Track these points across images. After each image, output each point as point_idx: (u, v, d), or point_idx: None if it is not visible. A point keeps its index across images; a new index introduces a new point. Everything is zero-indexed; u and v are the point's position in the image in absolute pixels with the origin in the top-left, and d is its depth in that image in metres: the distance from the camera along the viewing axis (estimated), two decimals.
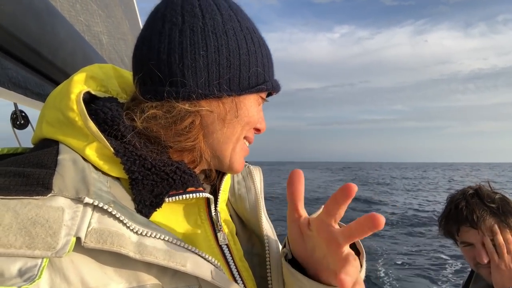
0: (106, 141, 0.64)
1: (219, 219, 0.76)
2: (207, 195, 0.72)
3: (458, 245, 1.68)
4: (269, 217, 0.90)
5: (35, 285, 0.48)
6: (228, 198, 0.88)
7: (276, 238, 0.85)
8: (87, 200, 0.54)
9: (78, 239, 0.52)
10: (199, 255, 0.62)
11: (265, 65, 0.74)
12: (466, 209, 1.55)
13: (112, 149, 0.63)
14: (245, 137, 0.77)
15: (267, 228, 0.84)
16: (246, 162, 0.93)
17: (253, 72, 0.72)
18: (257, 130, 0.79)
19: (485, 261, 1.50)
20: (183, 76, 0.66)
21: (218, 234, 0.75)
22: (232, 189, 0.89)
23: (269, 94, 0.80)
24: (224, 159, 0.74)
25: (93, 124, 0.64)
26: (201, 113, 0.69)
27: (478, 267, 1.58)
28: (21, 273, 0.47)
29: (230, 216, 0.86)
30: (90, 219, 0.54)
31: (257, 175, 0.94)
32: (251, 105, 0.74)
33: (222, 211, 0.79)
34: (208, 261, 0.63)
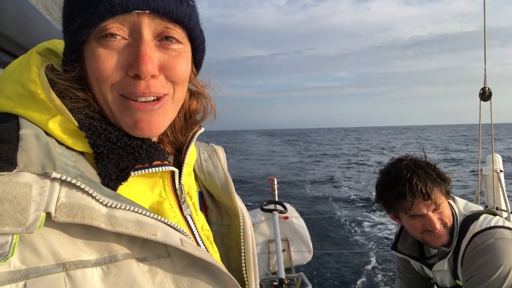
0: (70, 114, 0.63)
1: (183, 192, 0.78)
2: (173, 168, 0.74)
3: (397, 218, 1.79)
4: None
5: (8, 262, 0.48)
6: (197, 175, 0.90)
7: (247, 211, 0.88)
8: (54, 174, 0.53)
9: (48, 214, 0.52)
10: (167, 224, 0.63)
11: None
12: (420, 183, 1.62)
13: (76, 122, 0.62)
14: (121, 94, 0.66)
15: (239, 201, 0.87)
16: (207, 142, 0.98)
17: (76, 6, 0.64)
18: (135, 76, 0.64)
19: (439, 227, 1.64)
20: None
21: (183, 206, 0.76)
22: (200, 166, 0.91)
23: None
24: (113, 121, 0.68)
25: (56, 96, 0.63)
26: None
27: (424, 234, 1.70)
28: None
29: (200, 191, 0.89)
30: (59, 194, 0.53)
31: (221, 153, 0.97)
32: (87, 54, 0.65)
33: (185, 184, 0.80)
34: (177, 229, 0.64)
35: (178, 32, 0.68)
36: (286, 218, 4.18)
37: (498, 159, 3.49)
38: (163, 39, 0.66)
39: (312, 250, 4.40)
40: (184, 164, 0.80)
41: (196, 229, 0.78)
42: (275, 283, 2.92)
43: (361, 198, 14.96)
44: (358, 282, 7.19)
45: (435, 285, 1.94)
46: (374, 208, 12.67)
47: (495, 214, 1.72)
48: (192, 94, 0.83)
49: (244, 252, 0.82)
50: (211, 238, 0.81)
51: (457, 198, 1.84)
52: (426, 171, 1.68)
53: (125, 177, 0.65)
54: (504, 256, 1.50)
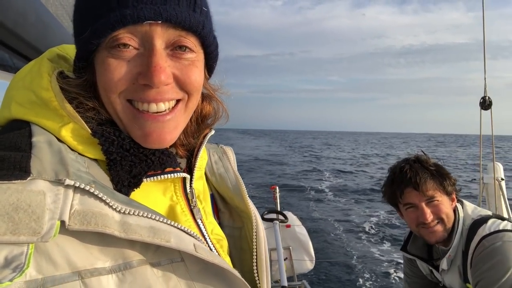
0: (83, 122, 0.63)
1: (194, 196, 0.77)
2: (185, 175, 0.74)
3: (399, 211, 1.88)
4: None
5: (25, 275, 0.47)
6: (208, 178, 0.89)
7: (258, 213, 0.87)
8: (68, 182, 0.53)
9: (62, 222, 0.51)
10: (181, 229, 0.62)
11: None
12: (410, 172, 1.75)
13: (89, 130, 0.63)
14: (129, 100, 0.66)
15: (251, 203, 0.86)
16: (216, 143, 0.96)
17: (86, 15, 0.63)
18: (145, 84, 0.63)
19: (429, 219, 1.70)
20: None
21: (194, 210, 0.76)
22: (211, 169, 0.90)
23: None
24: (123, 130, 0.68)
25: (69, 104, 0.63)
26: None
27: (420, 227, 1.77)
28: (7, 262, 0.46)
29: (212, 194, 0.88)
30: (72, 201, 0.53)
31: (231, 155, 0.96)
32: (98, 62, 0.65)
33: (196, 188, 0.80)
34: (190, 234, 0.64)
35: (191, 41, 0.66)
36: (288, 226, 4.17)
37: (499, 167, 3.50)
38: (176, 48, 0.65)
39: (314, 258, 4.39)
40: (195, 168, 0.79)
41: (207, 233, 0.77)
42: None
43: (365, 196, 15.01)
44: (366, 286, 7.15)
45: None
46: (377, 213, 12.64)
47: (503, 219, 1.74)
48: (204, 97, 0.82)
49: (256, 255, 0.81)
50: (221, 243, 0.80)
51: (466, 202, 1.87)
52: (422, 165, 1.78)
53: (137, 184, 0.66)
54: None
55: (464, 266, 1.71)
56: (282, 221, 4.02)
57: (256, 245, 0.81)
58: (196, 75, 0.69)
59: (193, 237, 0.64)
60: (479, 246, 1.63)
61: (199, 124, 0.83)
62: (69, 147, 0.62)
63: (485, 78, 3.25)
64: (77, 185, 0.54)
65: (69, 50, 0.75)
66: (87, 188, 0.54)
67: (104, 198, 0.55)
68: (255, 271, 0.81)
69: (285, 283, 3.00)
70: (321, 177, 24.17)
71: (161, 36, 0.63)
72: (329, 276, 7.78)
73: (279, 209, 4.44)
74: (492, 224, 1.67)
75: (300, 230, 4.37)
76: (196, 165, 0.80)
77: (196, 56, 0.68)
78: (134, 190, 0.66)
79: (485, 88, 3.26)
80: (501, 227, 1.64)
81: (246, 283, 0.68)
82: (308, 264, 4.33)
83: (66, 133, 0.62)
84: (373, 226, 11.99)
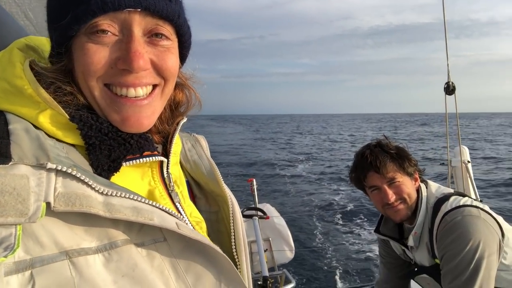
0: (60, 107, 0.63)
1: (171, 180, 0.79)
2: (162, 158, 0.75)
3: (367, 194, 1.97)
4: None
5: (13, 256, 0.49)
6: (182, 165, 0.91)
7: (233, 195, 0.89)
8: (50, 165, 0.54)
9: (48, 204, 0.52)
10: (163, 209, 0.64)
11: None
12: (371, 156, 1.85)
13: (67, 115, 0.64)
14: (107, 85, 0.67)
15: (226, 187, 0.88)
16: (188, 132, 0.99)
17: (66, 1, 0.64)
18: (124, 69, 0.65)
19: (392, 199, 1.79)
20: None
21: (172, 194, 0.78)
22: (185, 156, 0.92)
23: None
24: (101, 114, 0.69)
25: (45, 91, 0.64)
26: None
27: (385, 208, 1.87)
28: None
29: (187, 181, 0.90)
30: (55, 184, 0.54)
31: (203, 142, 0.99)
32: (76, 48, 0.66)
33: (173, 173, 0.81)
34: (172, 214, 0.65)
35: (167, 29, 0.69)
36: (267, 218, 4.22)
37: (465, 150, 3.65)
38: (153, 35, 0.68)
39: (293, 248, 4.46)
40: (170, 154, 0.81)
41: (186, 216, 0.79)
42: (259, 282, 2.96)
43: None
44: (339, 274, 7.34)
45: (416, 268, 2.03)
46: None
47: (464, 195, 1.85)
48: (177, 85, 0.83)
49: (234, 235, 0.83)
50: (200, 224, 0.82)
51: (430, 182, 1.97)
52: (382, 149, 1.88)
53: (117, 168, 0.66)
54: (473, 232, 1.62)
55: (431, 242, 1.80)
56: (261, 217, 4.07)
57: (233, 226, 0.83)
58: (173, 61, 0.72)
59: (174, 216, 0.65)
60: (442, 222, 1.73)
61: (173, 111, 0.85)
62: (46, 133, 0.62)
63: (448, 64, 3.36)
64: (59, 168, 0.55)
65: (37, 41, 0.76)
66: (69, 171, 0.55)
67: (86, 181, 0.56)
68: (234, 252, 0.83)
69: (266, 273, 3.05)
70: (295, 163, 24.45)
71: (139, 23, 0.65)
72: (309, 264, 7.94)
73: (257, 202, 4.49)
74: (453, 201, 1.77)
75: (279, 221, 4.44)
76: (171, 151, 0.82)
77: (171, 43, 0.71)
78: (113, 175, 0.66)
79: (448, 74, 3.37)
80: (461, 203, 1.74)
81: (227, 257, 0.69)
82: (288, 254, 4.40)
83: (43, 119, 0.62)
84: (349, 210, 12.28)
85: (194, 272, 0.65)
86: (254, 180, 4.74)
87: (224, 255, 0.69)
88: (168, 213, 0.64)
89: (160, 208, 0.63)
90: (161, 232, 0.64)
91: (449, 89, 3.36)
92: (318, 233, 10.28)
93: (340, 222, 11.32)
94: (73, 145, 0.66)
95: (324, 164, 23.84)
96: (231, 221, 0.84)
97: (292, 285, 3.82)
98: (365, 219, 11.11)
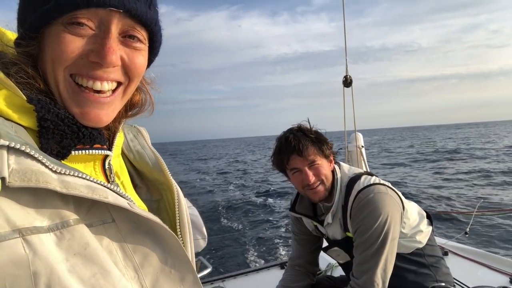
0: (17, 88, 0.62)
1: (112, 172, 0.80)
2: (110, 153, 0.77)
3: (287, 176, 2.10)
4: None
5: None
6: (125, 155, 0.93)
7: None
8: (2, 142, 0.52)
9: (2, 179, 0.51)
10: (114, 191, 0.65)
11: None
12: (294, 140, 1.97)
13: (24, 96, 0.62)
14: (71, 75, 0.68)
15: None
16: (130, 124, 1.00)
17: None
18: (94, 62, 0.67)
19: (312, 180, 1.96)
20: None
21: (112, 185, 0.78)
22: (128, 146, 0.93)
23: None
24: (61, 103, 0.69)
25: (0, 71, 0.62)
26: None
27: (305, 189, 2.02)
28: None
29: (128, 170, 0.91)
30: (8, 161, 0.52)
31: (145, 133, 1.00)
32: (50, 35, 0.66)
33: (114, 165, 0.83)
34: (122, 196, 0.66)
35: (142, 34, 0.72)
36: None
37: (360, 136, 4.11)
38: (127, 36, 0.70)
39: (206, 236, 4.55)
40: (113, 146, 0.82)
41: None
42: None
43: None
44: (253, 252, 7.68)
45: (327, 241, 2.24)
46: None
47: (372, 175, 2.07)
48: (137, 88, 0.85)
49: (179, 219, 0.85)
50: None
51: (342, 164, 2.17)
52: (304, 133, 2.00)
53: (65, 154, 0.67)
54: (382, 207, 1.85)
55: (344, 217, 2.00)
56: None
57: (178, 209, 0.86)
58: (141, 62, 0.75)
59: (125, 198, 0.67)
60: (356, 199, 1.92)
61: (127, 111, 0.86)
62: None
63: (346, 60, 3.74)
64: (11, 145, 0.53)
65: None
66: (22, 148, 0.54)
67: (40, 158, 0.55)
68: (179, 234, 0.85)
69: None
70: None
71: (117, 23, 0.68)
72: (222, 249, 8.15)
73: None
74: (364, 180, 1.99)
75: (192, 211, 4.45)
76: (114, 143, 0.83)
77: (143, 47, 0.74)
78: (60, 161, 0.65)
79: (346, 68, 3.76)
80: (372, 182, 1.97)
81: (176, 237, 0.71)
82: (201, 242, 4.46)
83: None
84: (253, 201, 12.75)
85: (141, 252, 0.67)
86: None
87: (173, 233, 0.71)
88: (119, 195, 0.65)
89: (111, 189, 0.64)
90: (110, 213, 0.65)
91: (347, 82, 3.75)
92: (228, 219, 10.56)
93: (252, 206, 11.73)
94: (23, 127, 0.64)
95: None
96: (176, 206, 0.86)
97: (209, 269, 3.93)
98: (276, 202, 11.62)
